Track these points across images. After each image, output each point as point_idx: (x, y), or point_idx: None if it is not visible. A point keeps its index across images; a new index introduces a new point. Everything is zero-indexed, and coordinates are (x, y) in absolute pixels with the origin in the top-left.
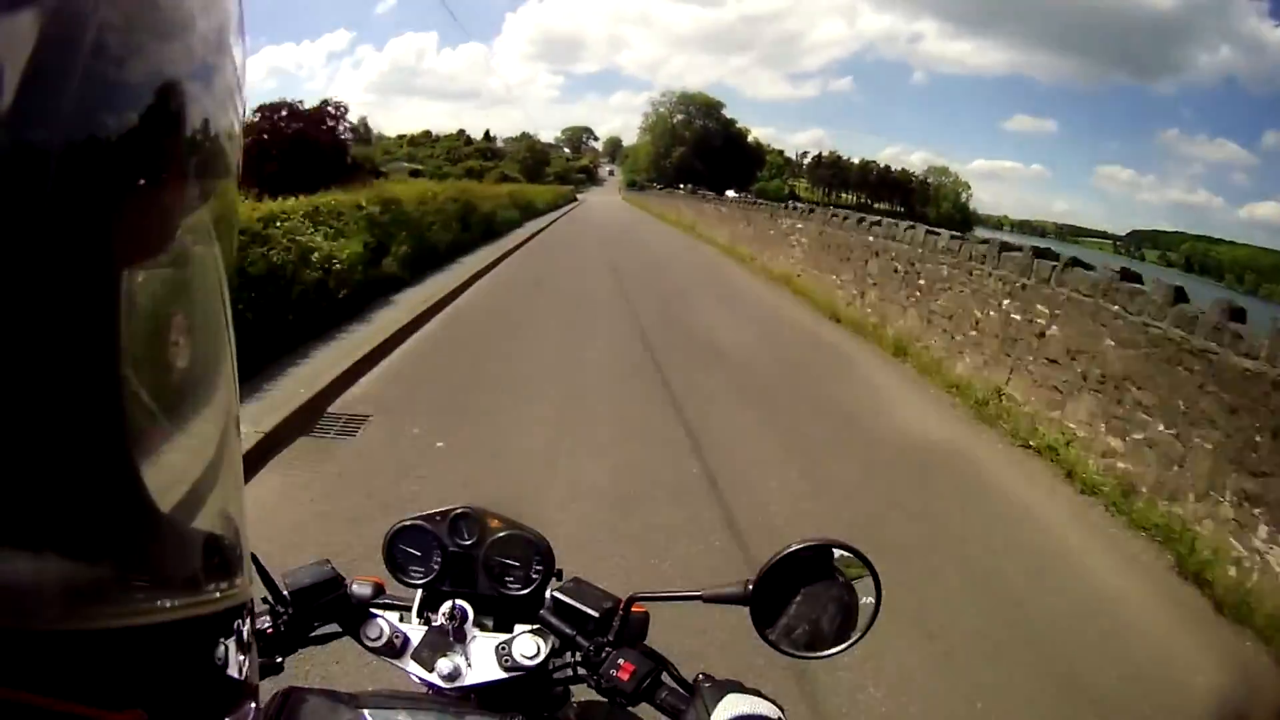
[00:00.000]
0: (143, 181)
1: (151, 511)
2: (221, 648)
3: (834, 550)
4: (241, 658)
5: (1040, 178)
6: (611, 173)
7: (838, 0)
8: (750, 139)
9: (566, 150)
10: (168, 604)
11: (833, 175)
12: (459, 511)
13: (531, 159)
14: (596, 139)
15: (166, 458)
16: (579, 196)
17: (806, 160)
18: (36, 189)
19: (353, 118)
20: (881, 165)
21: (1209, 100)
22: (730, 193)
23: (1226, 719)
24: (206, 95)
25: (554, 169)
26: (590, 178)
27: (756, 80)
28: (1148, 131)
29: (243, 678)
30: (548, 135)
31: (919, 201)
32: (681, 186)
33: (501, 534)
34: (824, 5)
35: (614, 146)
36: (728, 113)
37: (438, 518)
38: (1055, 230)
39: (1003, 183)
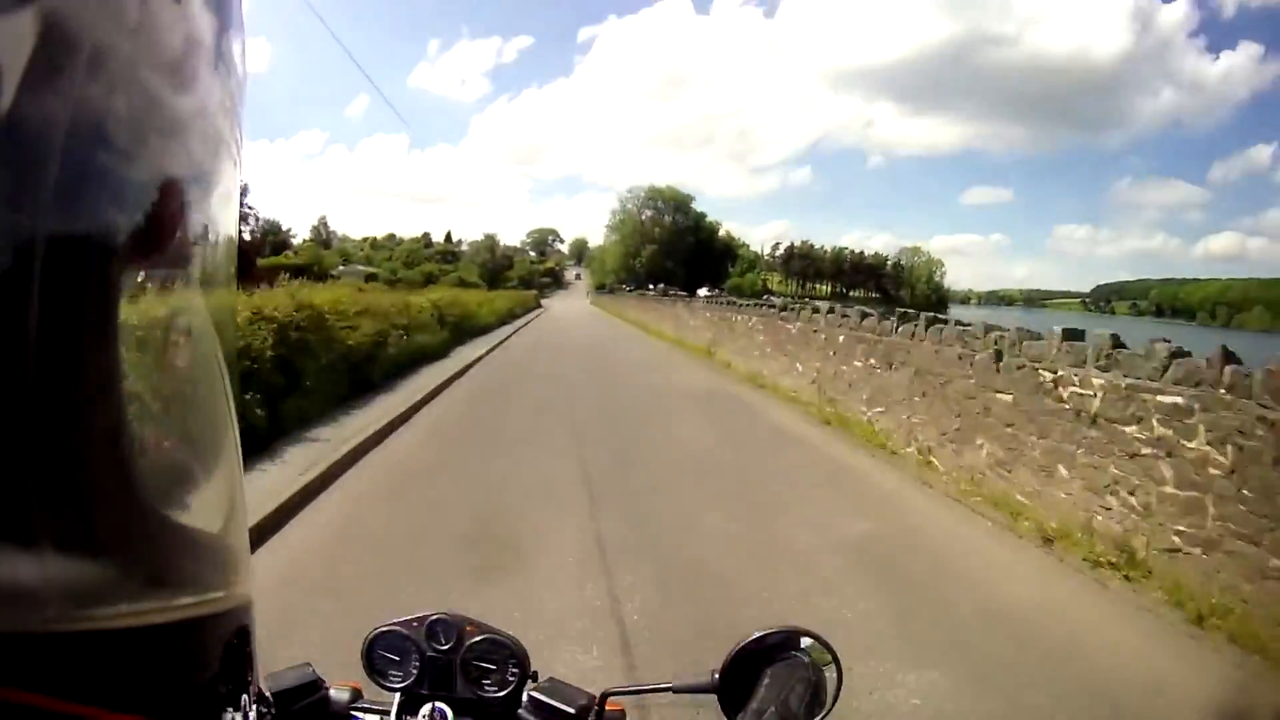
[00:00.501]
0: (140, 183)
1: (151, 512)
2: (222, 648)
3: (798, 637)
4: (242, 658)
5: (1000, 246)
6: (578, 276)
7: (795, 91)
8: (721, 233)
9: (532, 254)
10: (168, 604)
11: (806, 266)
12: (435, 617)
13: (493, 262)
14: (562, 241)
15: (167, 459)
16: (543, 302)
17: (778, 252)
18: (37, 191)
19: (313, 218)
20: (853, 251)
21: (1156, 144)
22: (702, 291)
23: (1226, 719)
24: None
25: (517, 272)
26: (556, 281)
27: (719, 176)
28: (1100, 185)
29: (243, 678)
30: (514, 239)
31: (892, 285)
32: (652, 287)
33: (477, 638)
34: (782, 96)
35: (580, 249)
36: (697, 206)
37: (414, 623)
38: (1022, 297)
39: (965, 256)
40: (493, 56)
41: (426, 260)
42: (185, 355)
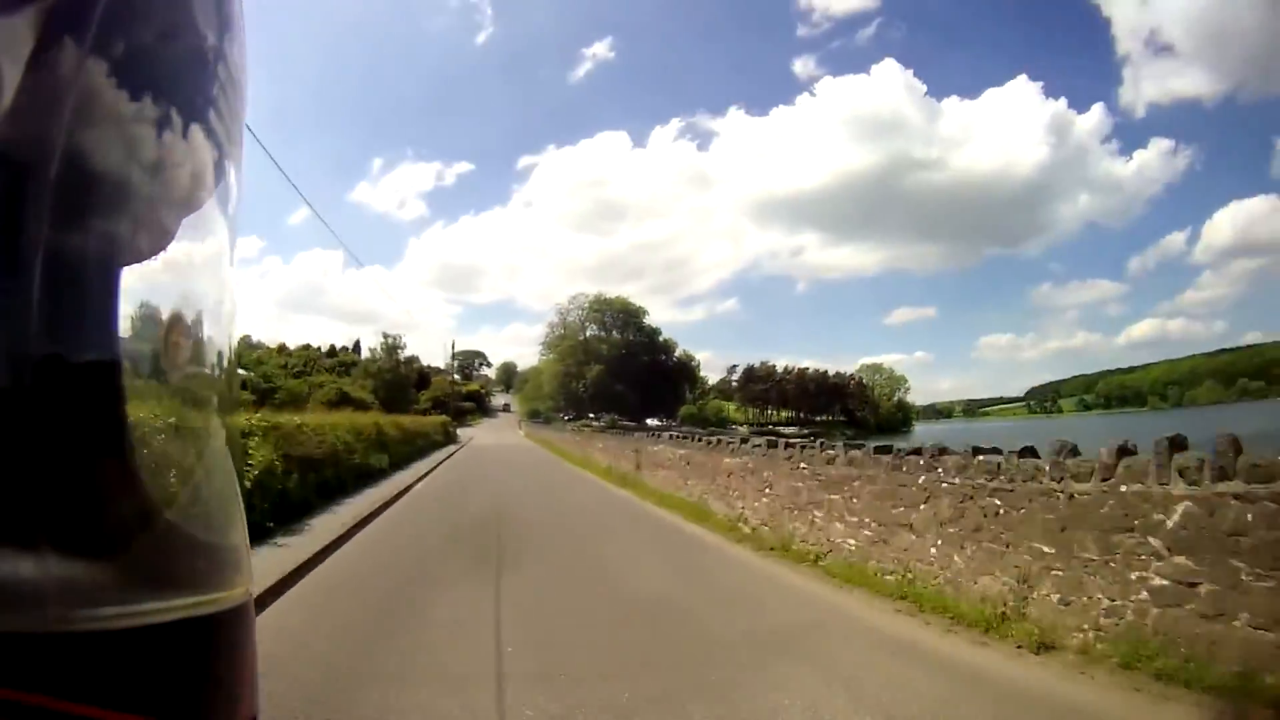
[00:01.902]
0: (140, 184)
1: (152, 514)
2: (222, 648)
3: None
4: (242, 658)
5: (924, 363)
6: (507, 407)
7: (723, 224)
8: (678, 353)
9: (456, 375)
10: (168, 604)
11: (766, 389)
12: None
13: (394, 378)
14: (489, 365)
15: (167, 462)
16: (463, 433)
17: (734, 375)
18: (38, 192)
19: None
20: (816, 370)
21: (1074, 248)
22: (651, 422)
23: (1226, 719)
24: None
25: (433, 393)
26: (481, 407)
27: (649, 308)
28: (1021, 293)
29: (243, 678)
30: (439, 361)
31: (856, 405)
32: (594, 417)
33: None
34: (711, 229)
35: (508, 374)
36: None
37: None
38: (963, 408)
39: (876, 374)
40: (432, 179)
41: (323, 371)
42: (184, 354)
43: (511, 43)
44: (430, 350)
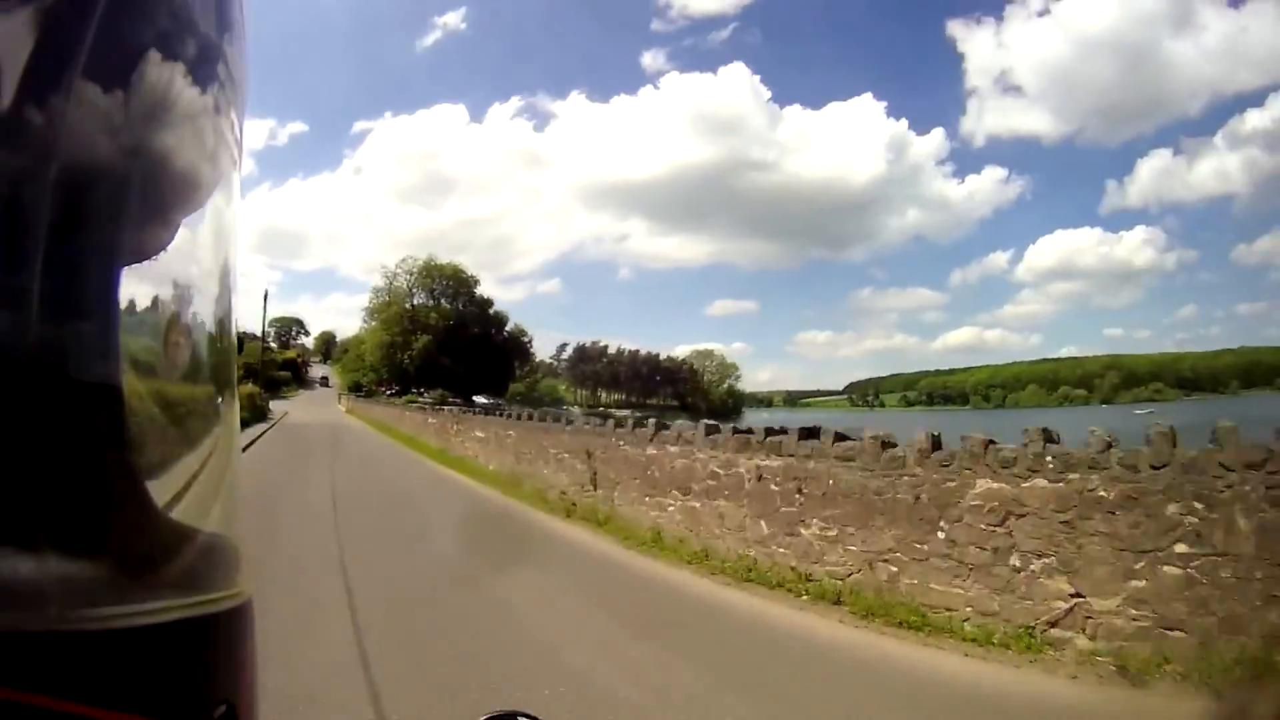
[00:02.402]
0: (140, 182)
1: (151, 513)
2: (221, 648)
3: (516, 717)
4: (241, 658)
5: (743, 354)
6: (325, 380)
7: (552, 205)
8: (509, 328)
9: (271, 342)
10: (168, 604)
11: (598, 370)
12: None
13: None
14: (308, 333)
15: (167, 461)
16: (277, 407)
17: (564, 355)
18: (38, 192)
19: None
20: (650, 354)
21: (899, 257)
22: (480, 399)
23: (1227, 719)
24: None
25: (241, 360)
26: (297, 378)
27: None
28: (842, 295)
29: (243, 679)
30: (254, 328)
31: (688, 390)
32: (419, 392)
33: None
34: (540, 209)
35: (327, 343)
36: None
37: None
38: (784, 398)
39: (708, 360)
40: (264, 137)
41: None
42: (184, 355)
43: (364, 1)
44: (247, 316)
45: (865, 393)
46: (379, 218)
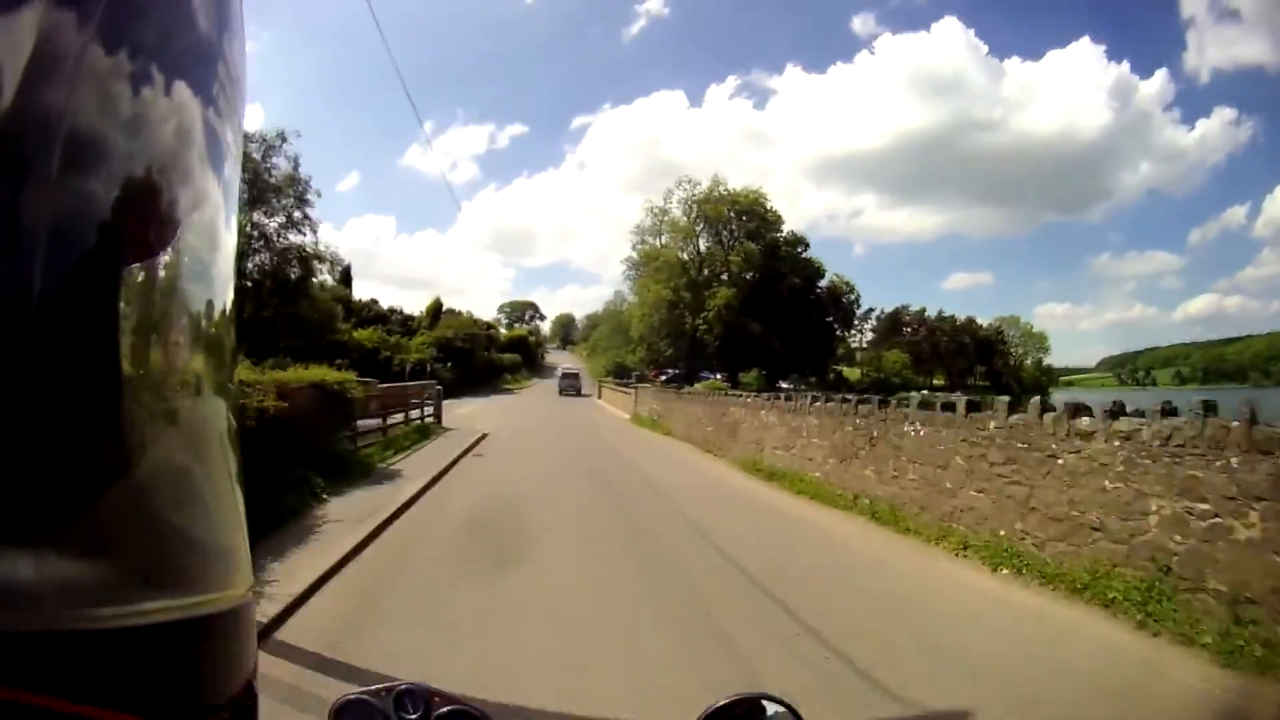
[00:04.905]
0: (140, 181)
1: (152, 513)
2: (221, 648)
3: (764, 703)
4: (241, 658)
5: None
6: (567, 377)
7: (781, 184)
8: (825, 281)
9: (502, 330)
10: (168, 604)
11: (918, 343)
12: (403, 687)
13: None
14: (544, 318)
15: (168, 461)
16: (480, 408)
17: (869, 322)
18: (38, 191)
19: None
20: (970, 320)
21: (1134, 217)
22: (784, 384)
23: (1227, 719)
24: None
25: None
26: (529, 362)
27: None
28: (1079, 263)
29: (243, 679)
30: (489, 315)
31: (1002, 368)
32: (725, 377)
33: (445, 709)
34: (769, 189)
35: (565, 327)
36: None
37: (382, 693)
38: (1046, 376)
39: (1014, 329)
40: (485, 142)
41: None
42: (186, 355)
43: (561, 1)
44: (486, 315)
45: (1129, 368)
46: (606, 208)
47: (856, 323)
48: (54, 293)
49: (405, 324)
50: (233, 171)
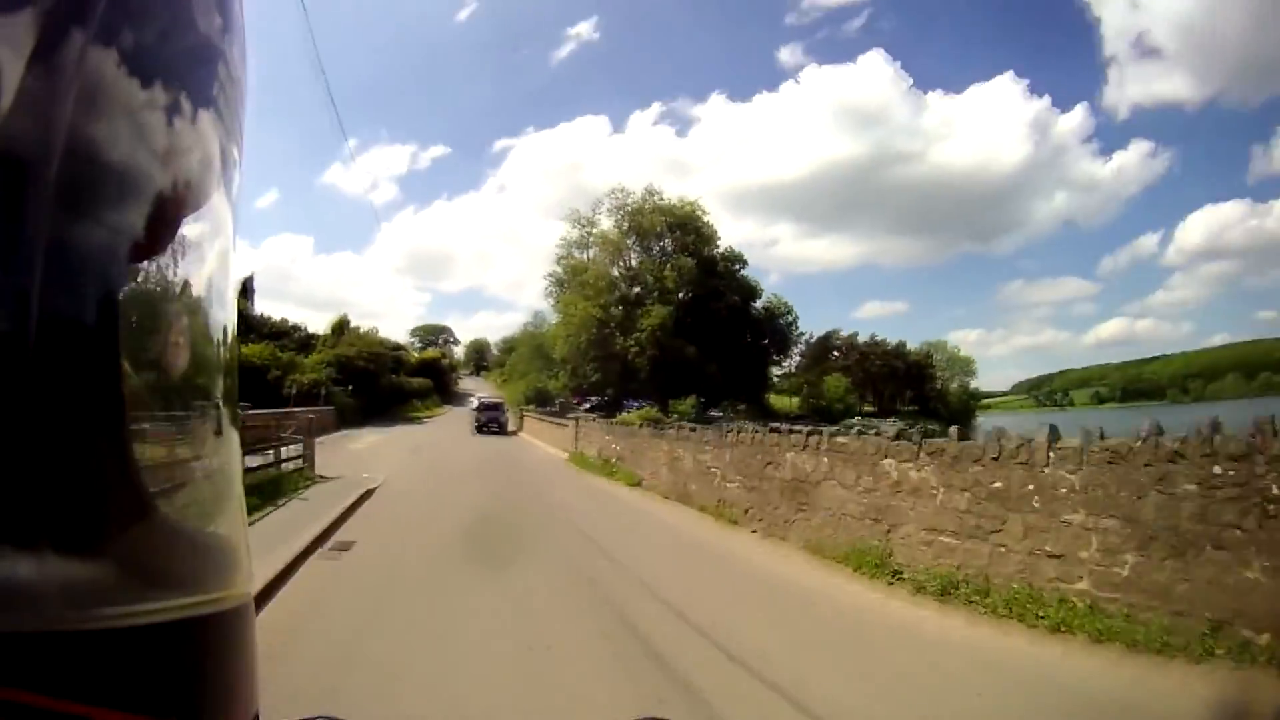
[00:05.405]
0: (141, 182)
1: (152, 512)
2: (222, 648)
3: None
4: (242, 658)
5: None
6: (487, 409)
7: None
8: (760, 302)
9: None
10: (168, 604)
11: (849, 367)
12: None
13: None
14: (458, 342)
15: (167, 461)
16: (376, 442)
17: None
18: (38, 192)
19: None
20: (901, 344)
21: (1048, 245)
22: (714, 413)
23: (1227, 718)
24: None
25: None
26: (441, 388)
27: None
28: (992, 290)
29: (244, 679)
30: (402, 339)
31: (930, 393)
32: (644, 406)
33: None
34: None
35: (479, 352)
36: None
37: None
38: (973, 399)
39: (939, 353)
40: (406, 163)
41: None
42: (184, 355)
43: (494, 20)
44: (399, 338)
45: (1045, 390)
46: (525, 234)
47: (794, 348)
48: (54, 295)
49: (306, 342)
50: (233, 172)
